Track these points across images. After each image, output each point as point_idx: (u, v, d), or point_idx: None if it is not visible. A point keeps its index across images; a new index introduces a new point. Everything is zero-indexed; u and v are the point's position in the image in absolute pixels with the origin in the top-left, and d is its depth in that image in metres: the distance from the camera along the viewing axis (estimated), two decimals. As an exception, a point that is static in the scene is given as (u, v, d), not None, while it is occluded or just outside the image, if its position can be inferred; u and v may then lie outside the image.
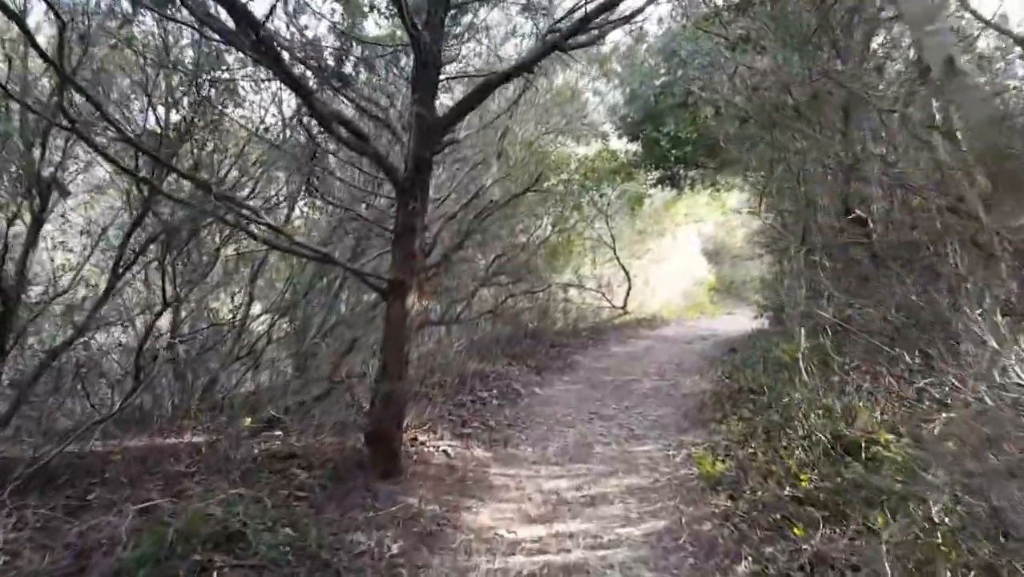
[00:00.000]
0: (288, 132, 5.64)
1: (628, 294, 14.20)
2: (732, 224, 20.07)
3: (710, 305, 17.08)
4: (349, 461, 4.58)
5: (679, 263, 16.58)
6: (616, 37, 12.42)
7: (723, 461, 5.07)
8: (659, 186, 13.90)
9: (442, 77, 4.96)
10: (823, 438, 4.56)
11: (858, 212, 6.30)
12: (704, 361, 9.80)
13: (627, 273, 14.35)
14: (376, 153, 4.42)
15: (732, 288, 19.24)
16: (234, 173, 5.59)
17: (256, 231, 4.43)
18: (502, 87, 9.46)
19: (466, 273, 11.03)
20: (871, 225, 6.25)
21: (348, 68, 5.42)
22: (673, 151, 12.73)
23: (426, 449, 5.09)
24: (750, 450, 5.18)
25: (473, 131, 7.75)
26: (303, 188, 5.34)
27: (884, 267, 5.32)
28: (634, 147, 13.25)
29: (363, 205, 6.69)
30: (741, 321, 15.23)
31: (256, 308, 7.18)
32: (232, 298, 7.02)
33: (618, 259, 14.25)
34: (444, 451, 5.13)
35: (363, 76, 5.48)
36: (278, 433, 5.25)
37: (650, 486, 4.76)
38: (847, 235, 6.20)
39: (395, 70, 5.47)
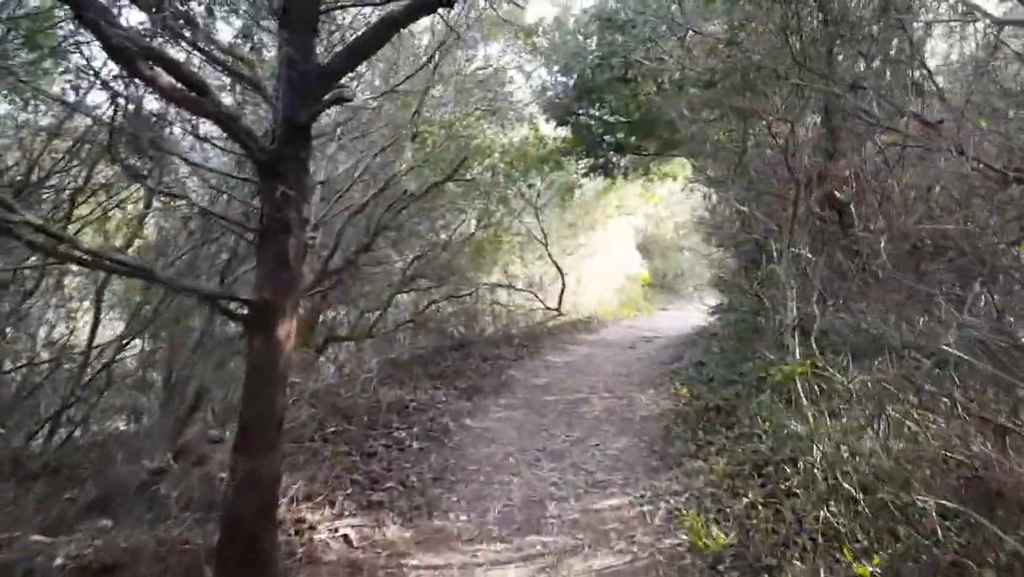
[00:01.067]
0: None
1: (562, 294, 13.08)
2: (661, 215, 19.41)
3: (644, 301, 16.28)
4: (196, 572, 3.11)
5: (612, 258, 15.64)
6: (543, 11, 11.19)
7: (717, 521, 3.91)
8: (590, 175, 12.82)
9: (325, 6, 3.52)
10: (849, 487, 3.48)
11: (837, 195, 5.31)
12: (654, 369, 8.75)
13: (560, 271, 13.22)
14: (220, 112, 2.95)
15: (665, 282, 18.55)
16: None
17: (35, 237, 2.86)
18: (415, 52, 8.08)
19: (380, 278, 9.55)
20: (852, 211, 5.28)
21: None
22: (605, 137, 11.69)
23: (317, 537, 3.65)
24: (746, 500, 4.06)
25: (377, 96, 6.30)
26: (125, 172, 3.75)
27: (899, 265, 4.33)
28: (563, 132, 12.10)
29: (224, 196, 5.12)
30: (678, 318, 14.44)
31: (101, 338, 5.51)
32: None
33: (550, 255, 13.09)
34: (344, 536, 3.72)
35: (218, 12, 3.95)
36: (102, 524, 3.69)
37: (628, 569, 3.54)
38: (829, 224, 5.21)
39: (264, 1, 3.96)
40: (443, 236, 10.46)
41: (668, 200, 17.65)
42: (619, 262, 16.04)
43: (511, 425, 6.30)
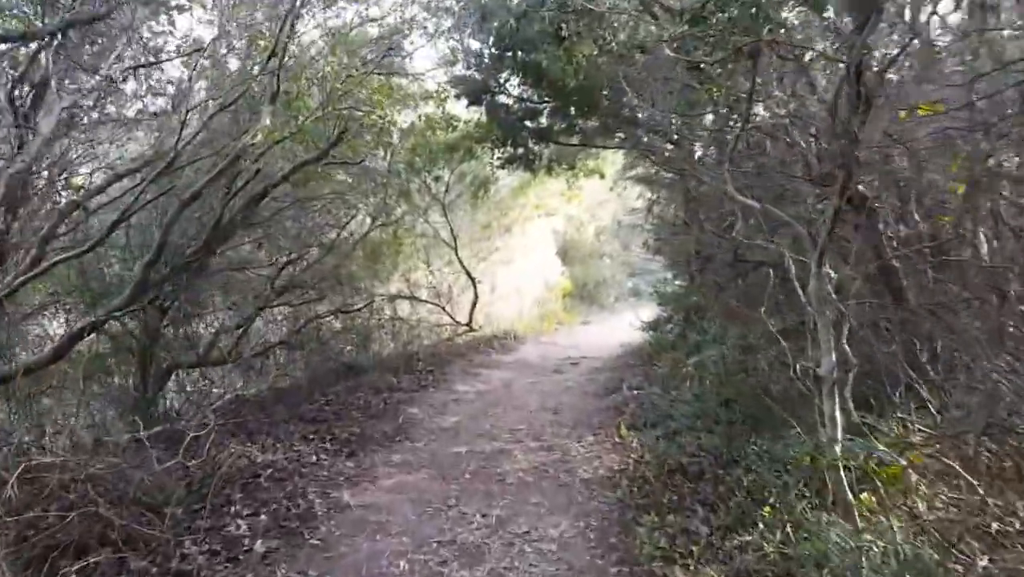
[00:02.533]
0: None
1: (474, 306, 11.51)
2: (582, 218, 18.23)
3: (564, 314, 15.00)
4: None
5: (530, 265, 14.24)
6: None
7: None
8: (507, 168, 11.32)
9: None
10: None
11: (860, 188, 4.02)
12: (588, 403, 7.33)
13: (472, 279, 11.65)
14: None
15: (585, 292, 17.38)
16: None
17: None
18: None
19: (243, 286, 7.62)
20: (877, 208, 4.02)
21: None
22: (526, 122, 10.25)
23: None
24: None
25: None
26: None
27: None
28: (477, 115, 10.55)
29: None
30: (603, 334, 13.21)
31: None
32: None
33: (460, 261, 11.49)
34: None
35: None
36: None
37: None
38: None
39: None
40: (330, 236, 8.66)
41: (587, 201, 16.48)
42: (538, 269, 14.67)
43: (407, 498, 4.64)
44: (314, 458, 5.34)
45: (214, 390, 6.87)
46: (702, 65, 4.67)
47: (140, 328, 6.51)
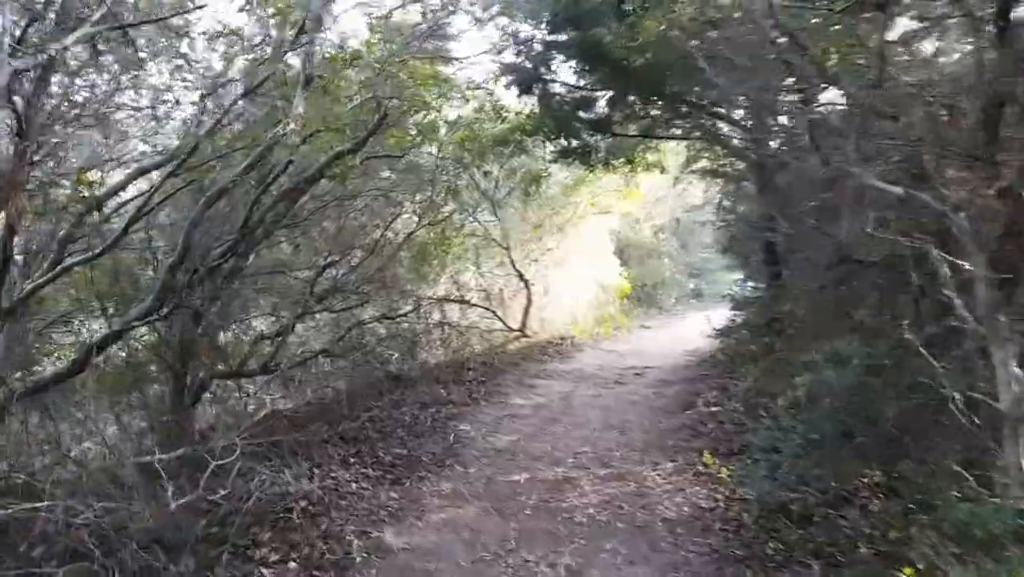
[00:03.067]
0: None
1: (527, 310, 10.87)
2: (638, 215, 17.36)
3: (622, 317, 14.22)
4: None
5: (585, 265, 13.51)
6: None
7: None
8: (561, 161, 10.64)
9: None
10: None
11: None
12: (659, 421, 6.59)
13: (524, 281, 11.01)
14: None
15: (644, 294, 16.53)
16: None
17: None
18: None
19: (284, 290, 7.17)
20: None
21: None
22: (580, 112, 9.57)
23: None
24: None
25: None
26: None
27: None
28: (527, 105, 9.91)
29: None
30: (666, 340, 12.39)
31: None
32: None
33: (512, 262, 10.87)
34: None
35: None
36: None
37: None
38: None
39: None
40: (374, 236, 8.15)
41: (644, 198, 15.65)
42: (593, 270, 13.91)
43: (458, 539, 4.03)
44: (354, 486, 4.79)
45: (249, 406, 6.40)
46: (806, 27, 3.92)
47: (174, 336, 6.14)
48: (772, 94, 6.39)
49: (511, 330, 10.91)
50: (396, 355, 8.78)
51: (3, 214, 3.65)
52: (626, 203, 14.16)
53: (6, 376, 4.95)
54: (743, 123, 8.58)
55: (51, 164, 4.88)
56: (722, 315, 10.57)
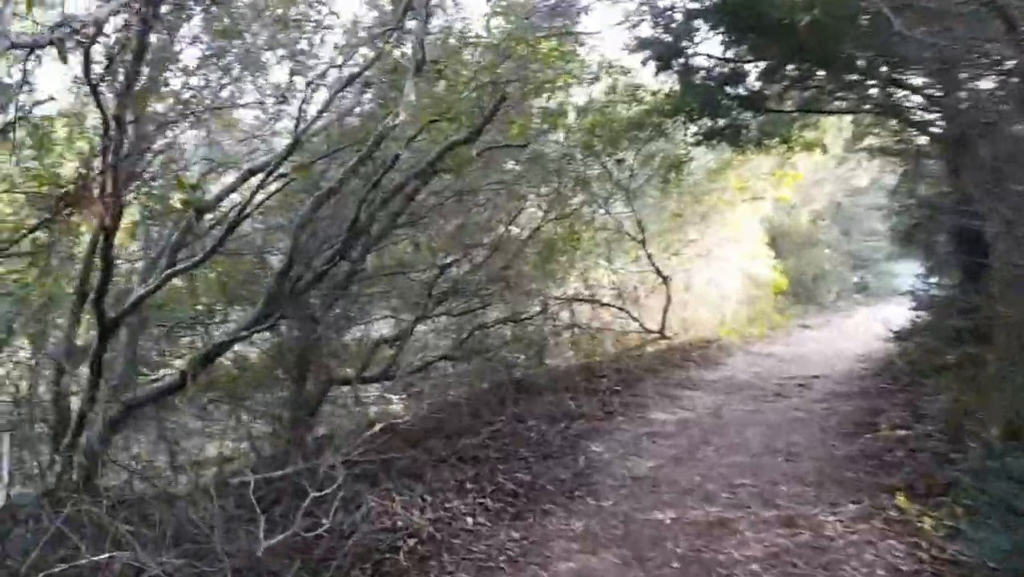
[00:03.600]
0: None
1: (667, 310, 9.93)
2: (793, 203, 15.67)
3: (776, 315, 12.81)
4: None
5: (733, 258, 12.27)
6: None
7: None
8: (705, 143, 9.56)
9: None
10: None
11: None
12: (833, 447, 5.52)
13: (663, 277, 10.08)
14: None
15: (801, 288, 14.89)
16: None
17: None
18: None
19: (397, 292, 6.84)
20: None
21: None
22: (726, 87, 8.50)
23: None
24: None
25: None
26: None
27: None
28: (665, 84, 8.97)
29: None
30: (830, 342, 10.93)
31: None
32: None
33: (649, 257, 9.97)
34: None
35: None
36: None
37: None
38: None
39: None
40: (497, 232, 7.65)
41: (800, 181, 14.03)
42: (743, 263, 12.63)
43: (587, 598, 3.35)
44: (470, 521, 4.24)
45: (365, 416, 6.10)
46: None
47: (293, 340, 5.98)
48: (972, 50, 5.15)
49: (648, 332, 10.03)
50: (522, 356, 8.26)
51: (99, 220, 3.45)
52: (780, 187, 12.72)
53: (120, 387, 4.95)
54: (930, 90, 7.20)
55: (160, 166, 4.76)
56: (895, 313, 9.08)
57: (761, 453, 5.47)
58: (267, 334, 6.21)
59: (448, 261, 6.52)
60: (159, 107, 4.66)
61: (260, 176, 4.40)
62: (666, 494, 4.73)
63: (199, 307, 5.76)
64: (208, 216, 5.16)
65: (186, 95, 4.86)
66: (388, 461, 5.03)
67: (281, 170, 4.22)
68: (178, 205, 4.57)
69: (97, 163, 3.55)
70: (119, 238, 5.92)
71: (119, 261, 5.26)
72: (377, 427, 5.43)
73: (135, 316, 5.24)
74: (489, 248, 7.42)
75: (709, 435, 6.07)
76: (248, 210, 3.94)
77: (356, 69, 5.06)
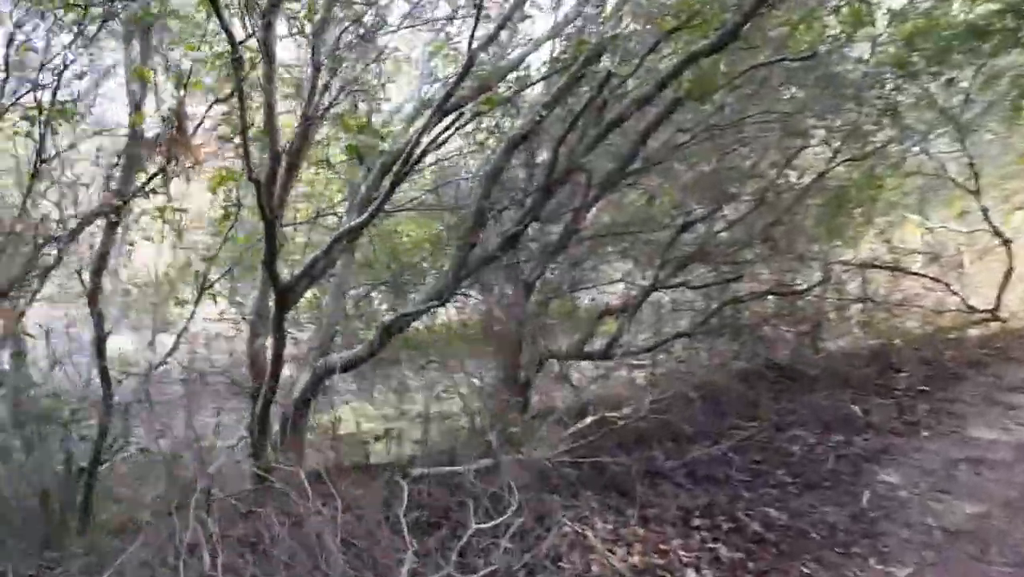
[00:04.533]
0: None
1: (1006, 281, 7.43)
2: None
3: None
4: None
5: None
6: None
7: None
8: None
9: None
10: None
11: None
12: None
13: (1003, 239, 7.53)
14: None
15: None
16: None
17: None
18: None
19: (627, 254, 5.75)
20: None
21: None
22: None
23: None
24: None
25: None
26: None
27: None
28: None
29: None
30: None
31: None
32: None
33: (984, 213, 7.50)
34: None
35: None
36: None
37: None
38: None
39: None
40: (766, 179, 6.11)
41: None
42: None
43: None
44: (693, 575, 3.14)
45: (584, 393, 5.21)
46: None
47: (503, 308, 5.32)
48: None
49: (973, 311, 7.65)
50: (790, 336, 6.68)
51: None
52: None
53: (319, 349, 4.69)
54: None
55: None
56: None
57: None
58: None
59: (692, 218, 5.23)
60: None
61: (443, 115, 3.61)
62: (998, 563, 3.14)
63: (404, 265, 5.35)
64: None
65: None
66: (598, 467, 4.10)
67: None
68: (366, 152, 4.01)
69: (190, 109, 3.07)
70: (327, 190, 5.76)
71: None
72: (588, 419, 4.54)
73: (341, 275, 4.98)
74: (753, 200, 5.94)
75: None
76: (415, 154, 3.17)
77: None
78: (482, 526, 2.89)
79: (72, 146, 3.59)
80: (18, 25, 3.10)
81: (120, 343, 4.08)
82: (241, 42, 2.50)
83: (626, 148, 4.55)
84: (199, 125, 3.01)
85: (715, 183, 5.60)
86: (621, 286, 6.22)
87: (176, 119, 2.98)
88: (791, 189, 6.35)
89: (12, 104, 3.40)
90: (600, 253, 5.52)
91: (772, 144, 6.12)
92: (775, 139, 6.08)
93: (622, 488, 3.91)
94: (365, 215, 3.27)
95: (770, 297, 6.30)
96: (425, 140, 2.94)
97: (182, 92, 3.03)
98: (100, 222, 3.57)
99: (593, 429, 4.37)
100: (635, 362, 5.56)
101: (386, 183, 3.22)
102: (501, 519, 2.89)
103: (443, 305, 4.12)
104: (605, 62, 3.35)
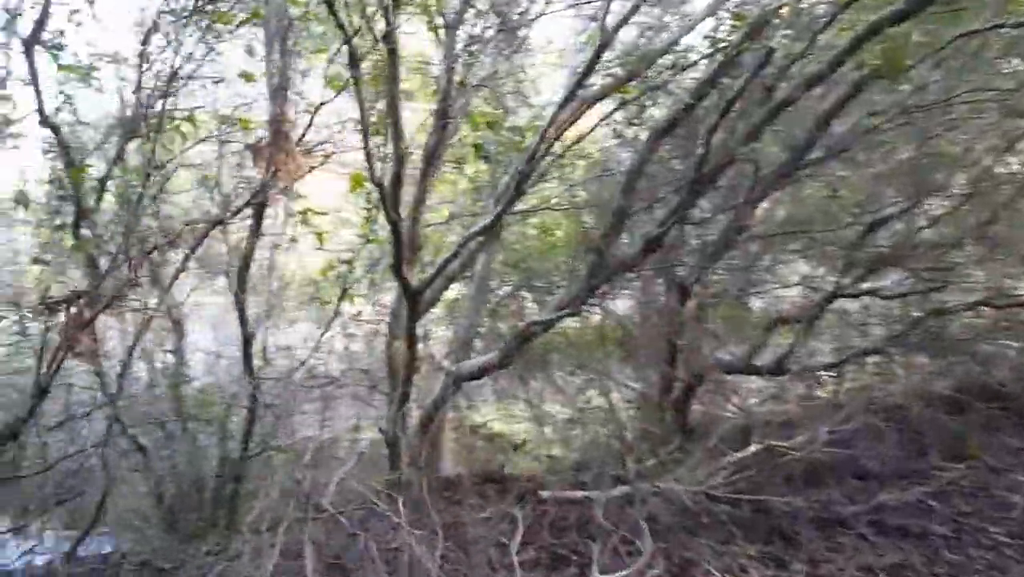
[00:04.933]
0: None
1: None
2: None
3: None
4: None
5: None
6: None
7: None
8: None
9: None
10: None
11: None
12: None
13: None
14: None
15: None
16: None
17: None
18: None
19: (804, 254, 5.06)
20: None
21: None
22: None
23: None
24: None
25: None
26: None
27: None
28: None
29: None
30: None
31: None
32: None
33: None
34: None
35: None
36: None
37: None
38: None
39: None
40: (980, 166, 5.11)
41: None
42: None
43: None
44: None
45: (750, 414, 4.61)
46: None
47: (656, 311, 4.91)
48: None
49: None
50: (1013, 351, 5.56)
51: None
52: None
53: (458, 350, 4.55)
54: None
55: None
56: None
57: None
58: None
59: (885, 215, 4.43)
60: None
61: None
62: None
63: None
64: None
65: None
66: (754, 506, 3.56)
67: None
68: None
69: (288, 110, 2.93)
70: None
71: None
72: (752, 448, 3.99)
73: (482, 275, 4.81)
74: (964, 192, 4.98)
75: None
76: (540, 150, 2.84)
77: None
78: (607, 577, 2.51)
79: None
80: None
81: (266, 341, 4.19)
82: (355, 34, 2.33)
83: (802, 135, 3.94)
84: (305, 131, 2.92)
85: (915, 172, 4.74)
86: (798, 291, 5.51)
87: (277, 127, 2.92)
88: (1012, 179, 5.25)
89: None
90: (774, 253, 4.88)
91: (988, 126, 5.09)
92: (992, 120, 5.05)
93: (788, 536, 3.34)
94: (491, 217, 3.02)
95: (985, 308, 5.25)
96: (552, 133, 2.61)
97: (282, 101, 2.97)
98: (246, 222, 3.65)
99: (757, 459, 3.81)
100: (813, 380, 4.84)
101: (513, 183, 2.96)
102: (631, 568, 2.50)
103: (575, 315, 3.77)
104: (769, 40, 2.82)
